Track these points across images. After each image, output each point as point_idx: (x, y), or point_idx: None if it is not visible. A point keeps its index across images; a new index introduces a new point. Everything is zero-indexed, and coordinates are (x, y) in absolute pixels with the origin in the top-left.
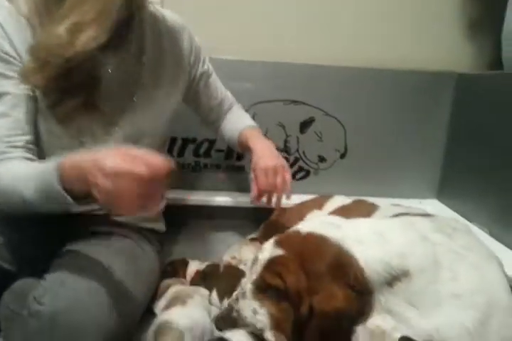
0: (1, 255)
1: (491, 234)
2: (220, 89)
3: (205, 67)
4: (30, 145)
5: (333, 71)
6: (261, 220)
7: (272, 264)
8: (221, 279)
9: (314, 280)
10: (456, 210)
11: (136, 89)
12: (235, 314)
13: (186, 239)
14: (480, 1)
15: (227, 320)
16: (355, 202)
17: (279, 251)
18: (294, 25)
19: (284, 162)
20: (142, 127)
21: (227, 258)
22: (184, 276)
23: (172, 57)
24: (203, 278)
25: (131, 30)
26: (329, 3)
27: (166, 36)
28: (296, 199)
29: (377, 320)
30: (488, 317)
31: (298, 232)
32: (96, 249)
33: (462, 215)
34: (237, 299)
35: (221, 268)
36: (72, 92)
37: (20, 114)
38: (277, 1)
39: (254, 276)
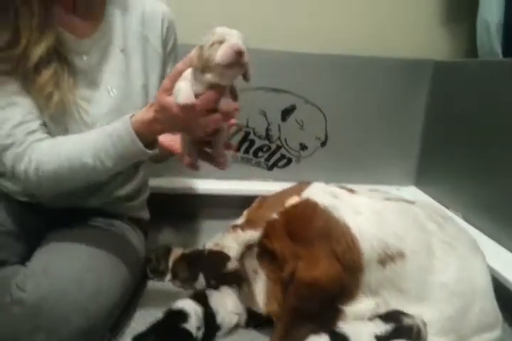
0: None
1: (465, 219)
2: None
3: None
4: (44, 127)
5: (313, 59)
6: (244, 207)
7: (266, 228)
8: (206, 262)
9: (300, 245)
10: (432, 197)
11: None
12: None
13: (170, 227)
14: None
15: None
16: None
17: (274, 216)
18: (277, 12)
19: None
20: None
21: (210, 245)
22: (167, 262)
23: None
24: (187, 263)
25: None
26: None
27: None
28: (279, 186)
29: (361, 304)
30: (470, 304)
31: (296, 199)
32: (79, 237)
33: (438, 201)
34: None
35: (205, 252)
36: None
37: (24, 99)
38: None
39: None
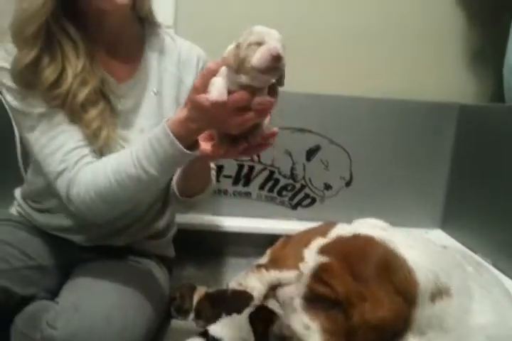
0: (12, 279)
1: (495, 266)
2: None
3: None
4: (94, 153)
5: (339, 100)
6: (267, 246)
7: (317, 273)
8: (229, 302)
9: (362, 284)
10: (459, 241)
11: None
12: (285, 331)
13: (194, 264)
14: (482, 33)
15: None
16: None
17: (323, 258)
18: (302, 55)
19: None
20: None
21: (233, 284)
22: (191, 301)
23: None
24: (211, 302)
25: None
26: (334, 38)
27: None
28: (302, 226)
29: None
30: None
31: (340, 236)
32: (108, 273)
33: (466, 246)
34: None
35: (229, 292)
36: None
37: (75, 129)
38: (285, 32)
39: (301, 290)
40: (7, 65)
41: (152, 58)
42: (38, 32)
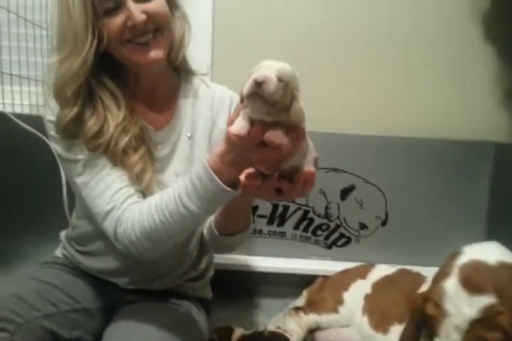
0: (59, 322)
1: None
2: None
3: None
4: (140, 193)
5: (373, 140)
6: (302, 286)
7: (483, 318)
8: None
9: None
10: None
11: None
12: None
13: (228, 305)
14: None
15: None
16: (400, 272)
17: (485, 299)
18: (334, 96)
19: None
20: None
21: (271, 327)
22: None
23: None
24: None
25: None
26: (368, 77)
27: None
28: (338, 266)
29: None
30: None
31: (485, 265)
32: (150, 315)
33: None
34: None
35: (266, 334)
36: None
37: (120, 170)
38: (318, 76)
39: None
40: (53, 118)
41: (187, 104)
42: (78, 91)
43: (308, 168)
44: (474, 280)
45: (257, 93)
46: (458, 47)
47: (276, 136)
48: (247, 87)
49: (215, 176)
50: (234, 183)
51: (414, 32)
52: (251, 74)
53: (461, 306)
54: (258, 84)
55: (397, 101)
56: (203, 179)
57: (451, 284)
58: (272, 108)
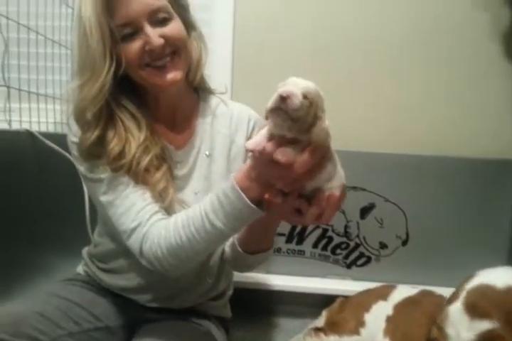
0: (81, 340)
1: None
2: None
3: None
4: (164, 210)
5: (392, 158)
6: (321, 306)
7: None
8: None
9: None
10: None
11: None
12: None
13: (246, 324)
14: None
15: None
16: (421, 293)
17: (485, 324)
18: (352, 113)
19: None
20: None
21: None
22: None
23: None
24: None
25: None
26: (388, 93)
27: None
28: (358, 286)
29: None
30: None
31: (492, 289)
32: (172, 334)
33: None
34: None
35: None
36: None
37: (144, 188)
38: (330, 91)
39: None
40: (76, 140)
41: (205, 123)
42: (98, 114)
43: (332, 192)
44: (478, 304)
45: (280, 108)
46: (477, 64)
47: (285, 153)
48: (271, 101)
49: (242, 193)
50: (260, 201)
51: (430, 50)
52: (276, 90)
53: (461, 330)
54: (283, 99)
55: (418, 120)
56: (230, 196)
57: (455, 308)
58: (294, 124)
